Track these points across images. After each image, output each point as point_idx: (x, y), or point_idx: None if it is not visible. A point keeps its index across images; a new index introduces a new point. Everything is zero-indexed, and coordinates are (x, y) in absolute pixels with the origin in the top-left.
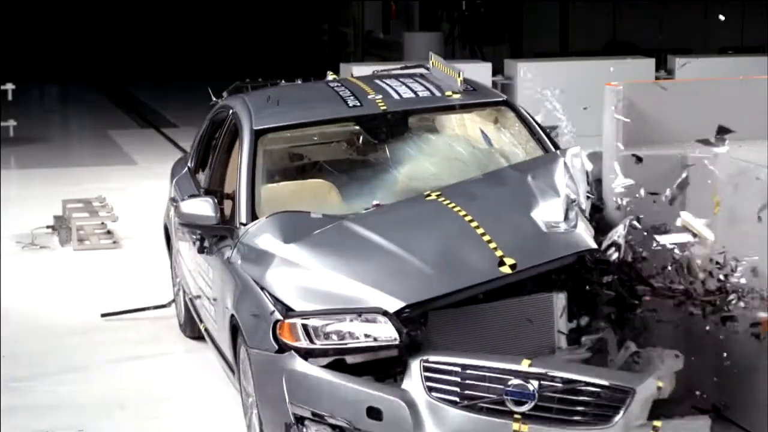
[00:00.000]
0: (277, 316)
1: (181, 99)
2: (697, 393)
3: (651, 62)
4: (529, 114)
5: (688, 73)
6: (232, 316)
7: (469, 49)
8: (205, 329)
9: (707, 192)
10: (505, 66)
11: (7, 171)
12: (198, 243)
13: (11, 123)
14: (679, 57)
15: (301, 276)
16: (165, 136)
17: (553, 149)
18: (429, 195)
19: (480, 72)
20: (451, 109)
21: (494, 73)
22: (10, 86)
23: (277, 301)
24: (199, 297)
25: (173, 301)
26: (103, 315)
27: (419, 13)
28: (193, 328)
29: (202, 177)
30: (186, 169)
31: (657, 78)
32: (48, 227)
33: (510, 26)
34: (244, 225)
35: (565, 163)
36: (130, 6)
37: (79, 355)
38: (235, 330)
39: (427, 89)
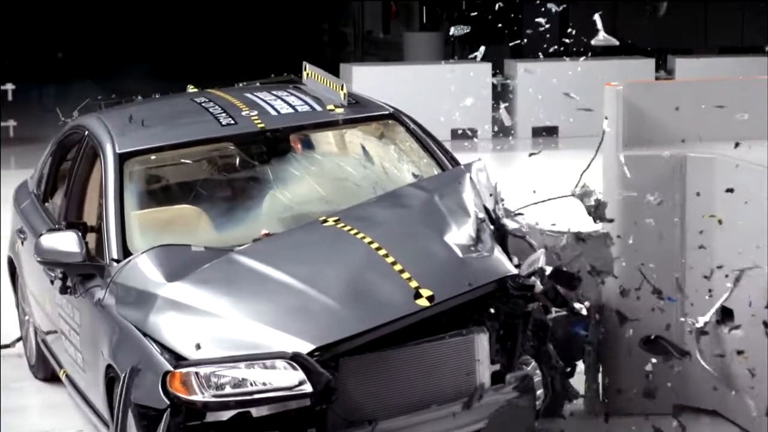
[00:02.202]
0: (167, 366)
1: None
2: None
3: (651, 62)
4: (420, 126)
5: (688, 73)
6: (109, 366)
7: (469, 49)
8: (67, 376)
9: (707, 192)
10: (505, 66)
11: (6, 171)
12: (60, 282)
13: (11, 123)
14: (678, 57)
15: (190, 319)
16: None
17: (448, 163)
18: (326, 220)
19: (480, 72)
20: (334, 124)
21: (494, 73)
22: (10, 86)
23: (164, 348)
24: (56, 339)
25: (20, 339)
26: None
27: (420, 13)
28: (45, 370)
29: (51, 206)
30: (31, 196)
31: (657, 78)
32: None
33: (510, 26)
34: (117, 262)
35: (471, 179)
36: (131, 4)
37: None
38: (112, 382)
39: (306, 103)
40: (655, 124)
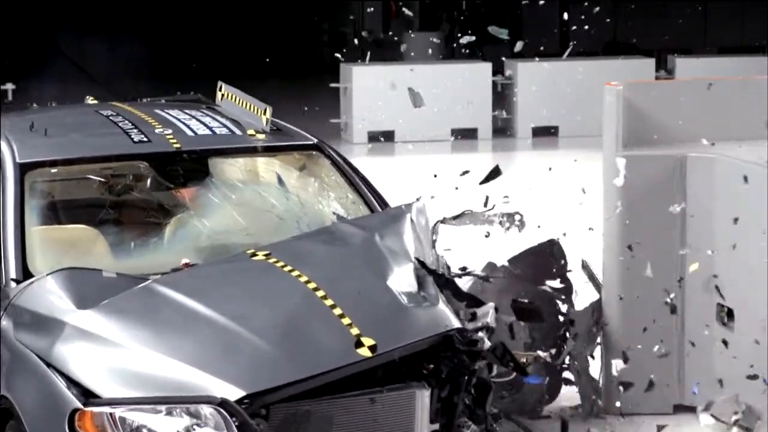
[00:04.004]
0: (75, 403)
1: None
2: None
3: (651, 62)
4: (345, 160)
5: (688, 73)
6: (2, 397)
7: (469, 49)
8: None
9: (707, 193)
10: (505, 66)
11: None
12: None
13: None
14: (678, 57)
15: (104, 352)
16: None
17: (375, 201)
18: (255, 254)
19: (480, 72)
20: (254, 151)
21: (494, 73)
22: (10, 86)
23: (72, 383)
24: None
25: None
26: None
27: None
28: None
29: None
30: None
31: (657, 78)
32: None
33: (510, 26)
34: (17, 282)
35: (411, 221)
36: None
37: None
38: (5, 415)
39: (224, 126)
40: (655, 124)
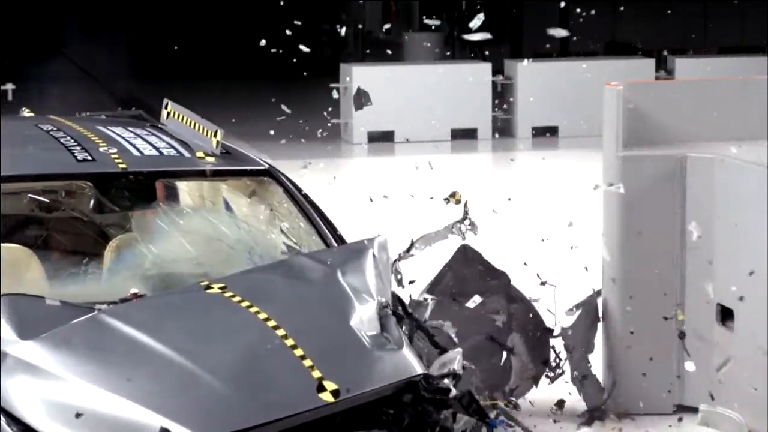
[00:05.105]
0: None
1: (181, 99)
2: None
3: (651, 62)
4: (297, 186)
5: (688, 73)
6: None
7: (469, 49)
8: None
9: (707, 193)
10: (505, 66)
11: None
12: None
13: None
14: (678, 57)
15: (48, 388)
16: None
17: (328, 232)
18: (210, 286)
19: (480, 72)
20: (203, 174)
21: (494, 73)
22: (10, 86)
23: (13, 420)
24: None
25: None
26: None
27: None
28: None
29: None
30: None
31: (657, 78)
32: None
33: (510, 26)
34: None
35: (374, 256)
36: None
37: None
38: None
39: (171, 146)
40: (655, 124)
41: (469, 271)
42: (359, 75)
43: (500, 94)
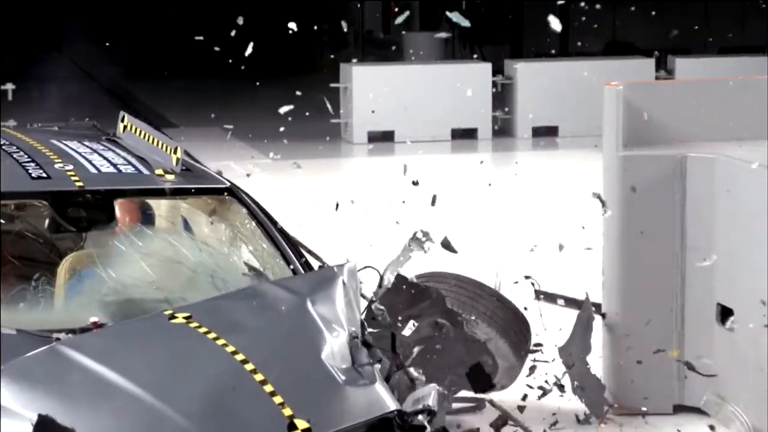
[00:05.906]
0: None
1: (181, 98)
2: None
3: (651, 62)
4: (259, 206)
5: (688, 73)
6: None
7: (469, 49)
8: None
9: (707, 193)
10: (505, 66)
11: None
12: None
13: (11, 123)
14: (678, 57)
15: (4, 426)
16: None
17: (289, 251)
18: (174, 316)
19: (480, 72)
20: (163, 193)
21: (494, 73)
22: (10, 86)
23: None
24: None
25: None
26: None
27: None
28: None
29: None
30: None
31: (657, 78)
32: None
33: (510, 26)
34: None
35: (343, 284)
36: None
37: None
38: None
39: (129, 163)
40: (655, 124)
41: (398, 299)
42: (359, 75)
43: (500, 94)
